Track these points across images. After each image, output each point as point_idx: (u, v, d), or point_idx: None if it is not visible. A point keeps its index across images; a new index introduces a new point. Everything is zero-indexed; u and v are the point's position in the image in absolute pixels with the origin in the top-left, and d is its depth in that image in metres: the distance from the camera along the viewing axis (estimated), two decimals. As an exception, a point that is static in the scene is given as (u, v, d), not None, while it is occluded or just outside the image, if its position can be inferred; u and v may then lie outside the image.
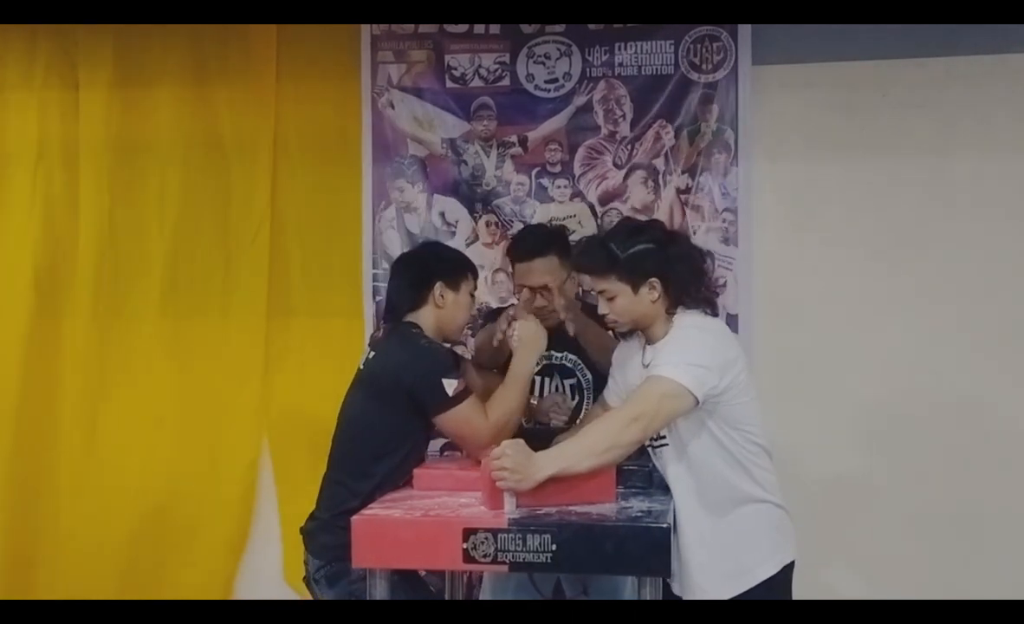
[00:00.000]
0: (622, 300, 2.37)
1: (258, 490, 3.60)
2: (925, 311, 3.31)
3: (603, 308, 2.41)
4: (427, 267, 2.67)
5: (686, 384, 2.22)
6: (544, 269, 2.82)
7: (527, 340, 2.61)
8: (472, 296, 2.71)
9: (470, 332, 3.13)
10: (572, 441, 2.29)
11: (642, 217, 3.23)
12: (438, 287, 2.62)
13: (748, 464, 2.33)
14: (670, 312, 2.37)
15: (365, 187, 3.51)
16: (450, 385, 2.47)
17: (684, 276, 2.37)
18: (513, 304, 3.00)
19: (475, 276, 2.74)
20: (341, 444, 2.61)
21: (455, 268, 2.68)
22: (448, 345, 2.67)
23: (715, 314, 2.45)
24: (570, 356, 2.94)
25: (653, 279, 2.34)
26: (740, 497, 2.33)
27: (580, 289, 2.93)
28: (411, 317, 2.63)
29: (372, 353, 2.61)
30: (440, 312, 2.63)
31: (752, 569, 2.32)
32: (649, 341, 2.42)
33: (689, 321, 2.36)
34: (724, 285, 3.34)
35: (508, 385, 2.59)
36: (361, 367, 2.61)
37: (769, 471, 2.38)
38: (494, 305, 3.38)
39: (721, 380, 2.26)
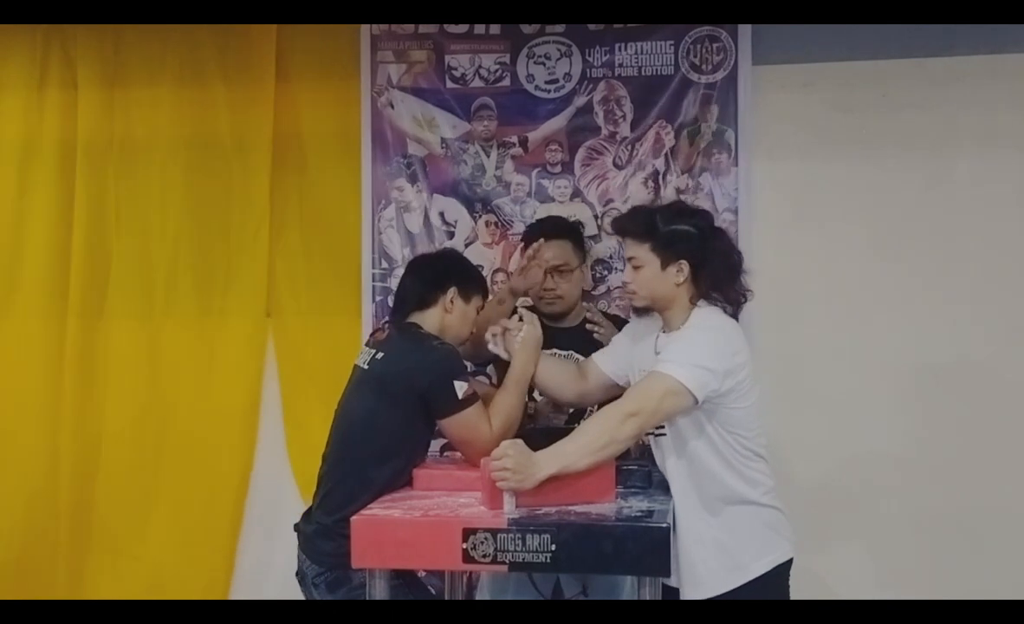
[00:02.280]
0: (647, 272, 2.38)
1: (257, 491, 3.60)
2: (925, 310, 3.31)
3: (627, 276, 2.43)
4: (445, 271, 2.67)
5: (688, 385, 2.22)
6: (558, 250, 3.00)
7: (527, 343, 2.59)
8: (477, 312, 2.70)
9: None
10: (570, 439, 2.28)
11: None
12: (451, 292, 2.61)
13: (740, 467, 2.33)
14: (692, 301, 2.38)
15: (365, 187, 3.51)
16: (460, 388, 2.46)
17: (717, 271, 2.37)
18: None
19: (485, 297, 2.75)
20: (341, 446, 2.55)
21: (471, 280, 2.69)
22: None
23: (735, 315, 2.44)
24: (576, 355, 2.94)
25: (683, 261, 2.35)
26: (732, 497, 2.33)
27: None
28: (415, 318, 2.61)
29: (378, 353, 2.53)
30: (447, 317, 2.61)
31: (744, 566, 2.33)
32: (665, 327, 2.42)
33: (704, 317, 2.36)
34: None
35: (508, 389, 2.57)
36: (364, 367, 2.55)
37: (764, 474, 2.37)
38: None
39: (723, 384, 2.26)
